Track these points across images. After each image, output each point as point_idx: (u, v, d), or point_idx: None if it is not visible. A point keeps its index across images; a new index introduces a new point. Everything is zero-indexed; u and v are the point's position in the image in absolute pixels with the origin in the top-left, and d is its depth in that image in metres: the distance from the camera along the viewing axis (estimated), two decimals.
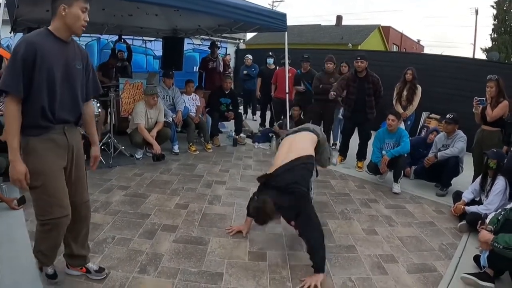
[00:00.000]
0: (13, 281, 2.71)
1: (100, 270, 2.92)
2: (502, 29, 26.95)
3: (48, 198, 2.41)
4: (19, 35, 7.69)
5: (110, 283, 2.84)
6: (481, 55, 27.91)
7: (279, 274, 3.12)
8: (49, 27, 2.37)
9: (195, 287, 2.87)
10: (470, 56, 24.67)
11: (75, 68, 2.49)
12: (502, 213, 3.27)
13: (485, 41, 55.97)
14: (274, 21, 6.63)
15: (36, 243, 2.62)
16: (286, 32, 7.07)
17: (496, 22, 27.21)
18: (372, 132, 6.37)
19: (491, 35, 27.70)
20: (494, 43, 27.20)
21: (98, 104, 5.88)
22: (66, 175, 2.55)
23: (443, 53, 13.73)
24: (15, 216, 3.76)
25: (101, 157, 5.69)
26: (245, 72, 10.27)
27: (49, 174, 2.40)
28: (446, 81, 8.83)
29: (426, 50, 45.23)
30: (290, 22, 7.07)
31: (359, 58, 6.11)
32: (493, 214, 3.47)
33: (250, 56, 10.51)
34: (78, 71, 2.52)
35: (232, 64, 13.21)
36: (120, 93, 6.48)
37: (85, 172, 2.77)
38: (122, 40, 10.07)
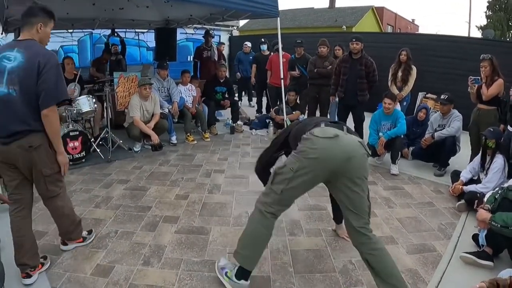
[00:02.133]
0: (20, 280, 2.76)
1: (90, 231, 3.50)
2: (497, 6, 26.80)
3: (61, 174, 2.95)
4: (10, 35, 7.65)
5: (115, 277, 2.88)
6: (477, 33, 27.83)
7: (281, 260, 3.17)
8: (34, 39, 2.74)
9: (198, 276, 2.91)
10: (466, 34, 24.55)
11: None
12: (500, 191, 3.30)
13: (480, 19, 55.58)
14: (265, 7, 6.59)
15: (71, 221, 3.17)
16: (278, 18, 7.03)
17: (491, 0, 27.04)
18: (369, 114, 6.36)
19: (486, 12, 27.55)
20: (489, 20, 27.05)
21: (94, 100, 5.87)
22: None
23: (438, 33, 13.65)
24: None
25: (99, 152, 5.77)
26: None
27: None
28: (441, 60, 8.81)
29: (421, 30, 45.08)
30: (282, 6, 7.04)
31: (354, 40, 6.12)
32: (490, 193, 3.50)
33: (249, 44, 10.45)
34: None
35: (226, 52, 13.13)
36: (115, 87, 6.48)
37: None
38: (116, 34, 10.01)
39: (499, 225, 2.87)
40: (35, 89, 2.59)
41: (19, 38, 2.78)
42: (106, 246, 3.34)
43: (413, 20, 46.26)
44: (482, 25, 27.85)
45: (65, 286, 2.77)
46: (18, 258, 2.77)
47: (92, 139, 5.97)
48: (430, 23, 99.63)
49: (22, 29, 2.76)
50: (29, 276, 2.78)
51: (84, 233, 3.40)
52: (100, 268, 3.01)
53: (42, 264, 2.95)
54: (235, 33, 17.93)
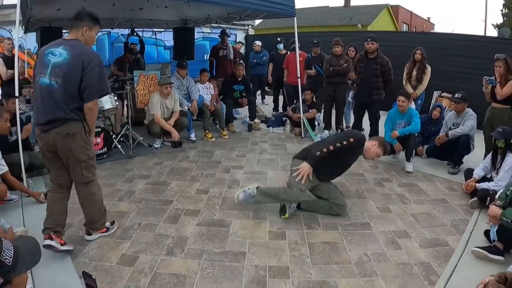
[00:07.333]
0: (52, 270, 2.95)
1: (112, 222, 3.67)
2: None
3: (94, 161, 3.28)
4: (31, 34, 7.84)
5: (140, 266, 3.04)
6: (493, 31, 27.48)
7: (298, 251, 3.30)
8: (79, 40, 3.06)
9: (220, 266, 3.06)
10: (482, 32, 24.26)
11: None
12: (511, 188, 3.37)
13: (496, 17, 54.40)
14: (282, 7, 6.67)
15: (99, 209, 3.39)
16: (295, 18, 7.12)
17: None
18: (385, 112, 6.44)
19: (502, 10, 27.17)
20: (505, 18, 26.66)
21: (116, 97, 6.04)
22: None
23: (453, 31, 13.59)
24: (44, 209, 3.96)
25: (121, 148, 5.94)
26: (255, 60, 10.31)
27: None
28: (456, 59, 8.80)
29: (437, 28, 44.62)
30: (298, 5, 7.08)
31: (369, 39, 6.23)
32: (502, 190, 3.57)
33: (258, 42, 10.53)
34: None
35: (242, 50, 13.20)
36: (135, 86, 6.65)
37: None
38: (135, 34, 10.19)
39: (509, 220, 2.97)
40: (77, 84, 2.93)
41: (66, 37, 3.21)
42: (130, 237, 3.50)
43: (428, 18, 45.78)
44: (498, 23, 27.48)
45: (92, 274, 2.89)
46: (45, 224, 3.17)
47: (114, 135, 6.13)
48: (445, 21, 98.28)
49: (70, 29, 3.29)
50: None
51: (107, 224, 3.57)
52: (125, 257, 3.16)
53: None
54: (251, 31, 18.00)
